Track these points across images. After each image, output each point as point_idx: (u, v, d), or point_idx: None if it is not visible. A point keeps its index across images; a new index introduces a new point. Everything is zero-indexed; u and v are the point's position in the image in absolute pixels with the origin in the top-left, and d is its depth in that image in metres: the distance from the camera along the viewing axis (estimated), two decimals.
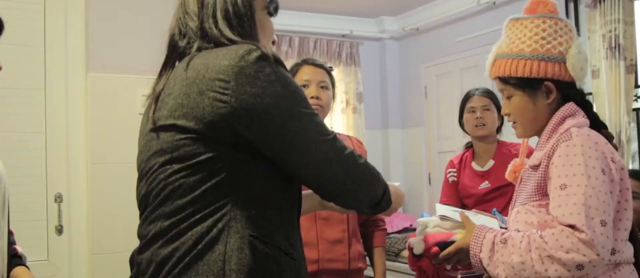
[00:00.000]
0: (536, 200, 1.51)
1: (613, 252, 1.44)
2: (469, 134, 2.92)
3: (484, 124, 2.80)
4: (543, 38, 1.55)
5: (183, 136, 1.21)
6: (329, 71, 2.24)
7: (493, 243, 1.49)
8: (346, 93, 5.57)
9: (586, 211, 1.37)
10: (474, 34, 4.89)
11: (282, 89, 1.20)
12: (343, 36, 5.57)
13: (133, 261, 1.31)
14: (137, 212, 2.81)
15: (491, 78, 1.67)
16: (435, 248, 1.62)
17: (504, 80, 1.60)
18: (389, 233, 4.31)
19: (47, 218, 2.68)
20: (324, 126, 1.27)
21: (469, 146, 2.98)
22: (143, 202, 1.31)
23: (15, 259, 1.75)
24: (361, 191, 1.30)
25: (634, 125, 3.96)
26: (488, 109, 2.81)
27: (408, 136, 5.80)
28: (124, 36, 2.80)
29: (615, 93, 3.84)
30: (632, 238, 1.54)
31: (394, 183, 1.61)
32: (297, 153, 1.22)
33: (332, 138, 1.25)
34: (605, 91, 3.91)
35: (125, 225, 2.65)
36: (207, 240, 1.18)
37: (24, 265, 1.77)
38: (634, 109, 3.93)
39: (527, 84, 1.56)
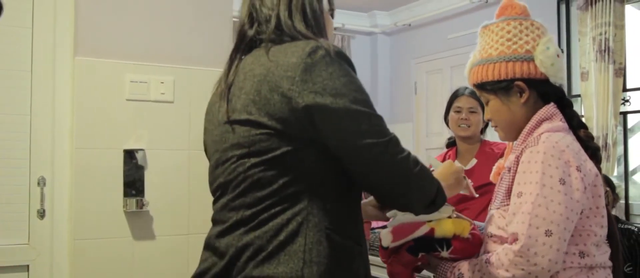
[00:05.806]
0: (506, 205, 1.53)
1: (582, 255, 1.46)
2: (452, 132, 2.92)
3: (468, 126, 2.80)
4: (508, 40, 1.57)
5: (258, 131, 1.26)
6: None
7: None
8: None
9: (531, 220, 1.39)
10: (466, 32, 4.90)
11: (342, 88, 1.23)
12: (335, 29, 5.54)
13: (209, 244, 1.36)
14: (121, 199, 2.76)
15: (470, 86, 1.69)
16: (407, 256, 1.62)
17: (480, 86, 1.63)
18: (373, 228, 4.31)
19: (29, 202, 2.65)
20: (381, 127, 1.28)
21: (451, 143, 2.98)
22: (219, 189, 1.36)
23: None
24: (412, 195, 1.32)
25: (620, 128, 3.99)
26: (474, 112, 2.80)
27: (397, 132, 5.64)
28: (114, 21, 2.77)
29: (603, 96, 3.86)
30: (612, 242, 1.55)
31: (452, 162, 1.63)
32: (348, 153, 1.25)
33: (387, 141, 1.27)
34: (593, 93, 3.93)
35: (109, 211, 2.62)
36: (287, 232, 1.24)
37: None
38: (621, 113, 3.96)
39: (499, 87, 1.58)
